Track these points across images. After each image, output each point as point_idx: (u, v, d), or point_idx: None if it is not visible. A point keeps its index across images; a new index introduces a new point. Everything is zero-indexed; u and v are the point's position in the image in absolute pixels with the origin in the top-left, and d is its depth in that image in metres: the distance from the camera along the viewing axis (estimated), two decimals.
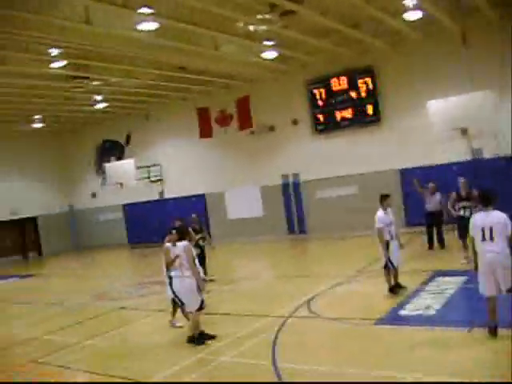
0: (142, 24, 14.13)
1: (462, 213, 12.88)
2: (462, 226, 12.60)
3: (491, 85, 16.77)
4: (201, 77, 20.98)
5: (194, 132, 24.24)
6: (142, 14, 13.44)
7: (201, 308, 9.09)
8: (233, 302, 12.23)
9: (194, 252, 9.57)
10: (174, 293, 9.32)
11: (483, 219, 7.62)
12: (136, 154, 26.32)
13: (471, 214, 12.34)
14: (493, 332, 7.52)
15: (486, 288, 7.60)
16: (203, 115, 24.12)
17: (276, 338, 8.76)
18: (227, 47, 17.57)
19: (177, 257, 9.06)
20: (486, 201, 7.74)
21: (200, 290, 9.06)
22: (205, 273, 14.47)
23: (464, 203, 12.90)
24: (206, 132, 24.14)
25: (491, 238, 7.46)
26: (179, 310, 9.95)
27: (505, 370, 6.39)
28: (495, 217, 7.56)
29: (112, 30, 14.43)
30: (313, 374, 7.07)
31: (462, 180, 13.23)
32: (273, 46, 17.84)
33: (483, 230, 7.54)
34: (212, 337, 9.02)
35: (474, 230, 7.75)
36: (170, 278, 9.40)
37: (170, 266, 9.29)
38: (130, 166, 23.67)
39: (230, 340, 8.95)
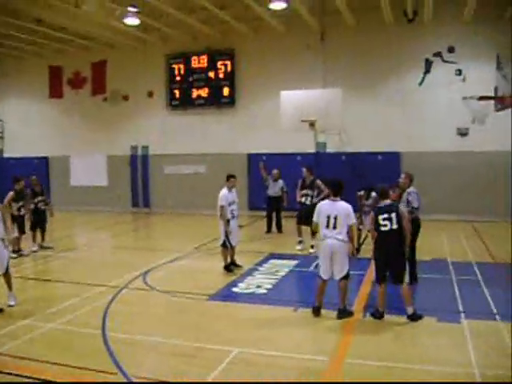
0: None
1: (303, 199, 13.43)
2: (302, 212, 13.36)
3: (340, 83, 17.81)
4: (58, 34, 19.88)
5: (45, 91, 23.09)
6: None
7: None
8: (68, 270, 11.90)
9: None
10: None
11: (330, 207, 8.06)
12: None
13: (311, 201, 13.13)
14: (316, 312, 8.09)
15: (322, 271, 8.09)
16: (55, 74, 23.03)
17: (108, 307, 8.70)
18: (89, 6, 16.79)
19: None
20: (336, 191, 8.22)
21: None
22: (42, 239, 14.01)
23: (306, 191, 13.43)
24: (56, 92, 23.11)
25: (334, 227, 7.95)
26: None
27: (329, 345, 6.99)
28: (341, 206, 8.04)
29: None
30: (142, 344, 7.13)
31: (304, 169, 13.71)
32: (137, 12, 17.40)
33: (328, 218, 7.99)
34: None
35: (319, 216, 8.11)
36: None
37: None
38: None
39: (61, 307, 8.74)
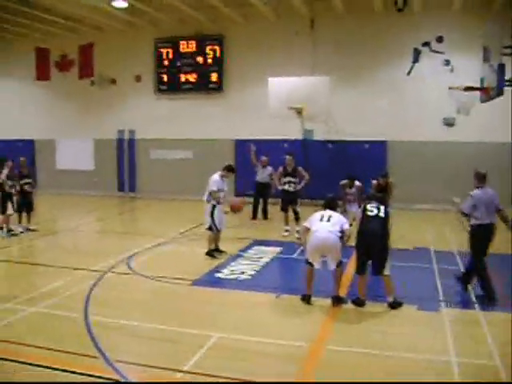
0: None
1: (286, 187, 13.58)
2: (286, 199, 13.58)
3: (329, 71, 17.78)
4: (45, 15, 19.64)
5: (31, 73, 22.74)
6: None
7: None
8: (52, 253, 11.92)
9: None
10: None
11: (323, 211, 8.33)
12: None
13: (294, 189, 13.34)
14: (306, 299, 8.15)
15: (313, 260, 8.11)
16: (43, 56, 22.66)
17: (91, 291, 8.71)
18: None
19: None
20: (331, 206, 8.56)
21: None
22: (28, 221, 14.00)
23: (289, 178, 13.57)
24: (43, 75, 22.75)
25: (328, 220, 8.10)
26: None
27: (310, 331, 7.08)
28: (334, 212, 8.39)
29: None
30: (124, 329, 7.17)
31: (288, 157, 13.79)
32: None
33: (322, 216, 8.20)
34: None
35: (312, 220, 8.24)
36: None
37: None
38: None
39: (44, 291, 8.72)
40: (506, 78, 9.71)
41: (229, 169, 11.41)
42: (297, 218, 13.20)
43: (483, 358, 6.23)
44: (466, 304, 8.16)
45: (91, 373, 5.80)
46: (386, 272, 7.94)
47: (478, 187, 8.63)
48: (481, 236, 8.46)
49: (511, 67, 10.89)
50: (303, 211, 12.71)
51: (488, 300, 8.20)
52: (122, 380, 5.64)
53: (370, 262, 8.03)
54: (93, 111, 22.52)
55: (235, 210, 11.35)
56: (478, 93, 12.33)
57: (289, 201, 13.55)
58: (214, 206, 10.96)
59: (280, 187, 13.79)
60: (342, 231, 8.05)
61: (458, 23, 17.51)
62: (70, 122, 22.83)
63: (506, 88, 9.79)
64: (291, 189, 13.51)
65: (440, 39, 17.88)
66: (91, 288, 8.89)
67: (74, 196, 21.74)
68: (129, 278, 9.74)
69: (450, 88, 13.17)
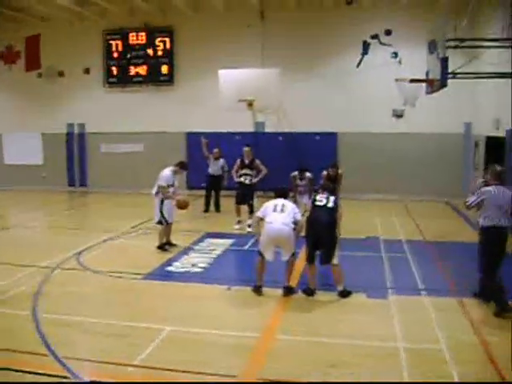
0: None
1: (242, 179, 13.42)
2: (241, 192, 13.45)
3: (279, 63, 17.83)
4: None
5: None
6: None
7: None
8: None
9: None
10: None
11: (276, 201, 8.45)
12: None
13: (251, 181, 13.27)
14: (257, 290, 8.22)
15: (266, 253, 8.17)
16: None
17: (40, 288, 8.56)
18: None
19: None
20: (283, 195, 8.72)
21: None
22: None
23: (245, 171, 13.43)
24: None
25: (282, 210, 8.19)
26: None
27: (261, 321, 7.18)
28: (288, 202, 8.56)
29: None
30: (74, 325, 7.06)
31: (246, 149, 13.64)
32: None
33: (275, 205, 8.29)
34: None
35: (265, 209, 8.32)
36: None
37: None
38: None
39: None
40: (450, 70, 9.99)
41: (181, 166, 11.40)
42: (251, 211, 13.08)
43: (429, 342, 6.42)
44: (412, 291, 8.37)
45: (41, 371, 5.70)
46: (335, 261, 8.08)
47: (491, 184, 7.57)
48: (492, 239, 7.47)
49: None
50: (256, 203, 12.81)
51: (499, 311, 7.23)
52: (73, 378, 5.57)
53: (319, 251, 8.15)
54: (41, 104, 21.98)
55: (181, 206, 11.23)
56: (424, 85, 12.60)
57: (244, 194, 13.36)
58: (162, 200, 10.94)
59: (236, 179, 13.59)
60: (295, 222, 8.16)
61: (406, 16, 17.82)
62: (17, 115, 22.25)
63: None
64: (247, 181, 13.34)
65: (388, 32, 18.15)
66: (40, 285, 8.73)
67: (22, 192, 21.23)
68: (79, 273, 9.61)
69: (396, 80, 13.42)
